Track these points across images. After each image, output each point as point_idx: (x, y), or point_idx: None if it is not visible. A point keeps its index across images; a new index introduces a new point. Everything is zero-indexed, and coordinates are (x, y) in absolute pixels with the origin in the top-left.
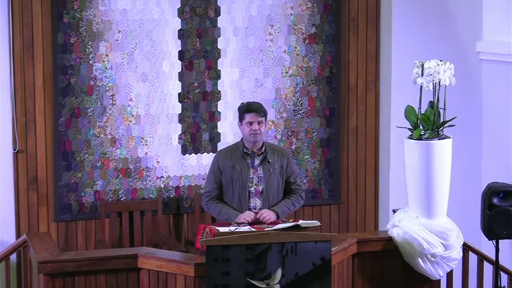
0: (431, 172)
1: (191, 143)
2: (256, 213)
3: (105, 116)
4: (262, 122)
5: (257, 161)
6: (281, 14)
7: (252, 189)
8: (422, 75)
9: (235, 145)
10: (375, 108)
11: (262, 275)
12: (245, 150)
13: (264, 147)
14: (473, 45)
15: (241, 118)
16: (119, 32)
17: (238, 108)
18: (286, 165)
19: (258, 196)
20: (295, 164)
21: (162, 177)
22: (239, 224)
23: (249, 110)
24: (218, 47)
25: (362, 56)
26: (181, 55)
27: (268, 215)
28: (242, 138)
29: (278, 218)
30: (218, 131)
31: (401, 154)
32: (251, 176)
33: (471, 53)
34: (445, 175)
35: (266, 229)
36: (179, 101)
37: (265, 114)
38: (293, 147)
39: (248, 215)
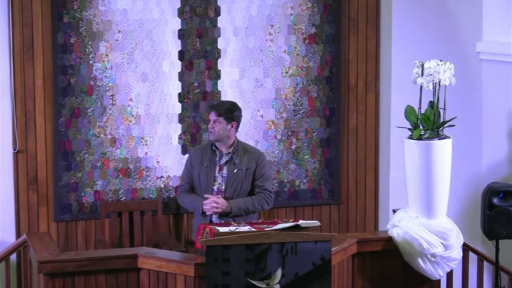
0: (431, 172)
1: (191, 143)
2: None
3: (105, 116)
4: (219, 122)
5: (223, 160)
6: (281, 14)
7: (215, 187)
8: (422, 75)
9: (209, 142)
10: (375, 108)
11: (262, 275)
12: (214, 148)
13: (233, 147)
14: (473, 45)
15: None
16: (119, 32)
17: None
18: (254, 168)
19: (221, 195)
20: (268, 168)
21: (162, 177)
22: (239, 224)
23: (210, 107)
24: (218, 47)
25: (362, 56)
26: (181, 55)
27: (219, 204)
28: None
29: (230, 212)
30: None
31: (401, 154)
32: (216, 175)
33: (471, 53)
34: (445, 175)
35: (266, 229)
36: (179, 101)
37: (225, 114)
38: (293, 147)
39: (207, 204)
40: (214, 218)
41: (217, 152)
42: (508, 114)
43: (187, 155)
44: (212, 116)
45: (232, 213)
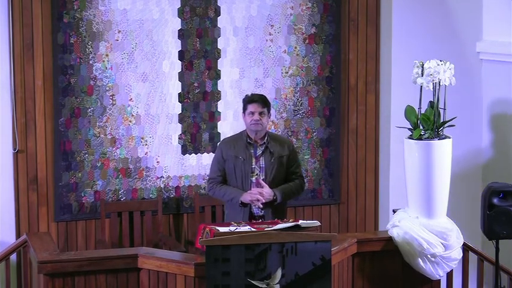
0: (431, 172)
1: (191, 143)
2: (261, 187)
3: (105, 116)
4: (264, 113)
5: (259, 151)
6: (281, 14)
7: (253, 179)
8: (422, 75)
9: (239, 134)
10: (375, 108)
11: (262, 275)
12: (248, 140)
13: (266, 137)
14: (473, 45)
15: (244, 109)
16: (119, 32)
17: (243, 99)
18: (288, 154)
19: (259, 186)
20: (297, 154)
21: (162, 177)
22: (239, 224)
23: (251, 100)
24: (218, 47)
25: (362, 56)
26: (181, 55)
27: (267, 194)
28: (246, 129)
29: (275, 200)
30: (218, 131)
31: (401, 154)
32: (253, 166)
33: (471, 53)
34: (445, 175)
35: (266, 229)
36: (179, 101)
37: (267, 106)
38: None
39: (254, 195)
40: (255, 209)
41: (252, 144)
42: (508, 114)
43: (187, 155)
44: (257, 109)
45: (278, 200)
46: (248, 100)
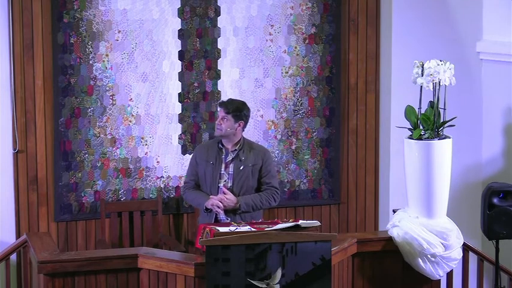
0: (431, 172)
1: (191, 143)
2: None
3: (105, 116)
4: (227, 119)
5: (229, 157)
6: (281, 14)
7: (221, 184)
8: (422, 75)
9: (215, 140)
10: (374, 108)
11: (262, 275)
12: (220, 146)
13: (239, 145)
14: (473, 45)
15: None
16: (119, 32)
17: None
18: (261, 164)
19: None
20: (273, 165)
21: (162, 177)
22: (239, 224)
23: (220, 104)
24: (218, 47)
25: (362, 56)
26: (181, 55)
27: (229, 199)
28: None
29: (239, 209)
30: None
31: (401, 154)
32: (222, 172)
33: (471, 53)
34: (445, 175)
35: (266, 229)
36: (179, 101)
37: (233, 112)
38: (293, 147)
39: (214, 201)
40: (222, 216)
41: (224, 150)
42: (508, 114)
43: (187, 155)
44: (221, 113)
45: (241, 209)
46: (219, 104)
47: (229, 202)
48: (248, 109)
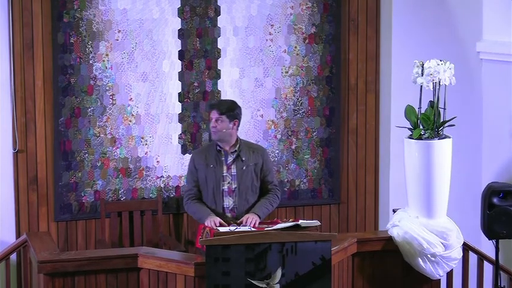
0: (431, 172)
1: (191, 143)
2: (239, 221)
3: (105, 115)
4: (222, 120)
5: (230, 159)
6: (281, 13)
7: (225, 187)
8: (422, 75)
9: (210, 144)
10: (374, 108)
11: (262, 274)
12: (218, 148)
13: (237, 145)
14: (473, 45)
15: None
16: (119, 31)
17: None
18: (261, 163)
19: (231, 194)
20: (271, 162)
21: (162, 177)
22: (239, 224)
23: (209, 107)
24: (218, 46)
25: (362, 56)
26: (181, 55)
27: (252, 219)
28: None
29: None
30: None
31: (401, 154)
32: (224, 174)
33: (471, 53)
34: (445, 175)
35: (266, 229)
36: (179, 101)
37: (226, 112)
38: (293, 147)
39: (214, 220)
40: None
41: (222, 152)
42: (508, 114)
43: (187, 155)
44: (214, 115)
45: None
46: (209, 106)
47: (254, 221)
48: (240, 107)
